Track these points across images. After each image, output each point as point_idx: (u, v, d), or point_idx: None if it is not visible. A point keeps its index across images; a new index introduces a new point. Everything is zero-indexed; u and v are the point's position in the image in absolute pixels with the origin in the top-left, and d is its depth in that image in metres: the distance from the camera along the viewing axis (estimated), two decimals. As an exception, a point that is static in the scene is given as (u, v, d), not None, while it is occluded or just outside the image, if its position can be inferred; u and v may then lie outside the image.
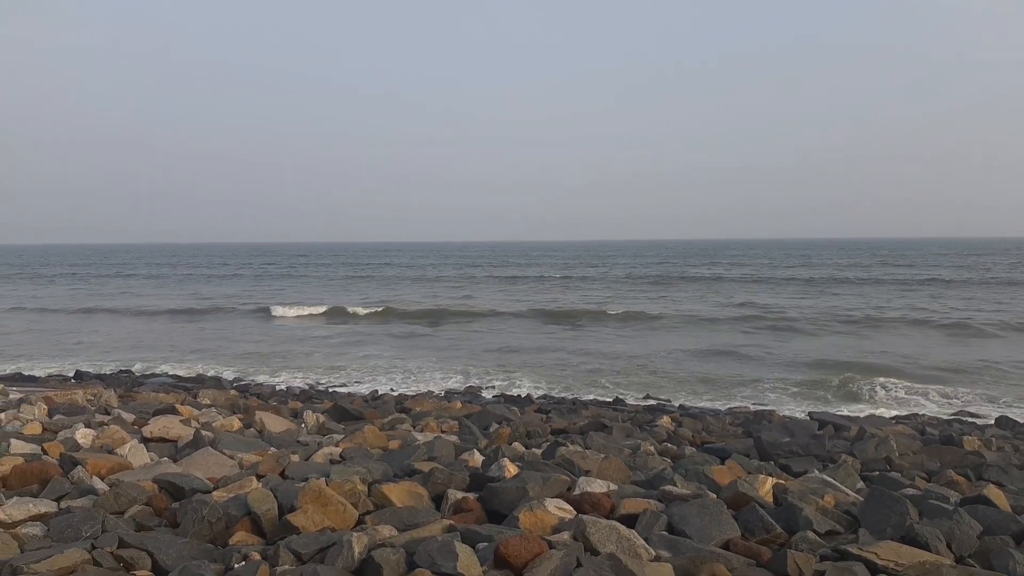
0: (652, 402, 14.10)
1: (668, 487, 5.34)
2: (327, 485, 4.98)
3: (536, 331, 26.77)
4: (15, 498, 5.26)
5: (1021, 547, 4.24)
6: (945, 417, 13.37)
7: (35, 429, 7.70)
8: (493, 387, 16.58)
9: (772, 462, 7.65)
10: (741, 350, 21.62)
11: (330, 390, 15.91)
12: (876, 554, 4.01)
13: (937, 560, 3.97)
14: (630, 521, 4.70)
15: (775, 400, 15.22)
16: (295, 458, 6.80)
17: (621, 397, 14.99)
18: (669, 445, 8.58)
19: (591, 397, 15.29)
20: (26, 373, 17.95)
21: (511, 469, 5.79)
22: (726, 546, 4.40)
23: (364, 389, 16.22)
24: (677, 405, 13.91)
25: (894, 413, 13.69)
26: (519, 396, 15.00)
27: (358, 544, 4.10)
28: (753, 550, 4.32)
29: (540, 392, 16.00)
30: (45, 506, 5.14)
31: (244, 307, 35.91)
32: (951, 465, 7.68)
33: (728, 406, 14.43)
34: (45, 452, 6.64)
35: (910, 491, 5.61)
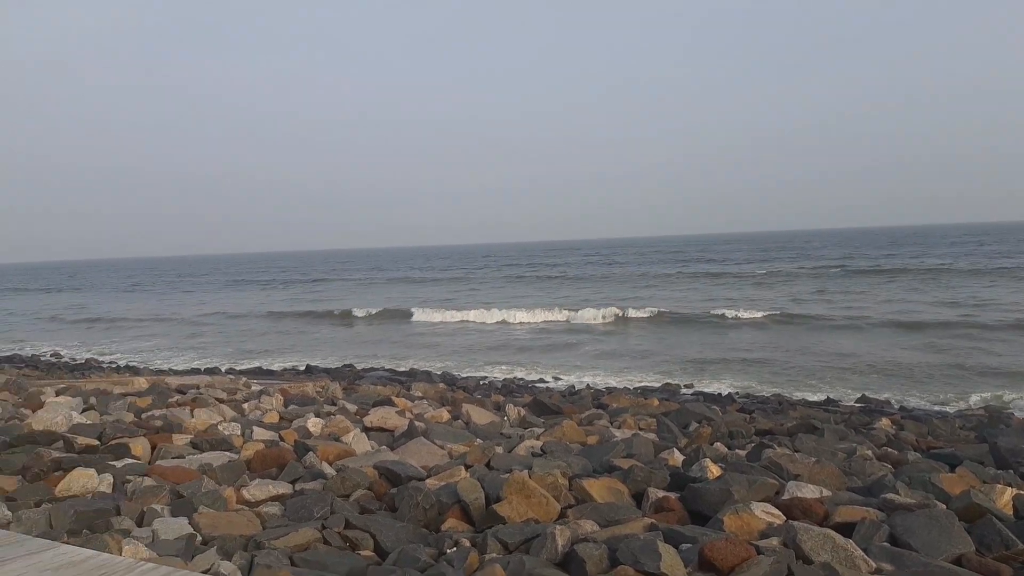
0: (868, 403, 13.11)
1: (890, 495, 4.96)
2: (530, 477, 5.14)
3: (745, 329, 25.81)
4: (257, 480, 5.92)
5: None
6: None
7: (273, 418, 8.60)
8: (691, 384, 16.21)
9: (1011, 471, 6.86)
10: (968, 346, 19.52)
11: (529, 385, 16.33)
12: None
13: None
14: (846, 530, 4.42)
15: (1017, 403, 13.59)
16: (499, 450, 7.07)
17: (833, 397, 14.08)
18: (889, 450, 7.94)
19: (799, 397, 14.50)
20: (264, 368, 20.09)
21: (713, 470, 5.65)
22: (957, 561, 4.02)
23: (560, 385, 16.48)
24: (897, 406, 12.83)
25: None
26: (719, 394, 14.55)
27: (561, 537, 4.20)
28: (990, 567, 3.91)
29: (741, 391, 15.41)
30: (282, 488, 5.74)
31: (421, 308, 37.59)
32: None
33: (957, 408, 13.09)
34: (282, 439, 7.41)
35: None
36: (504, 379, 17.34)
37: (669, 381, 16.60)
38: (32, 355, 24.84)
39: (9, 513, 4.77)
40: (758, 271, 52.38)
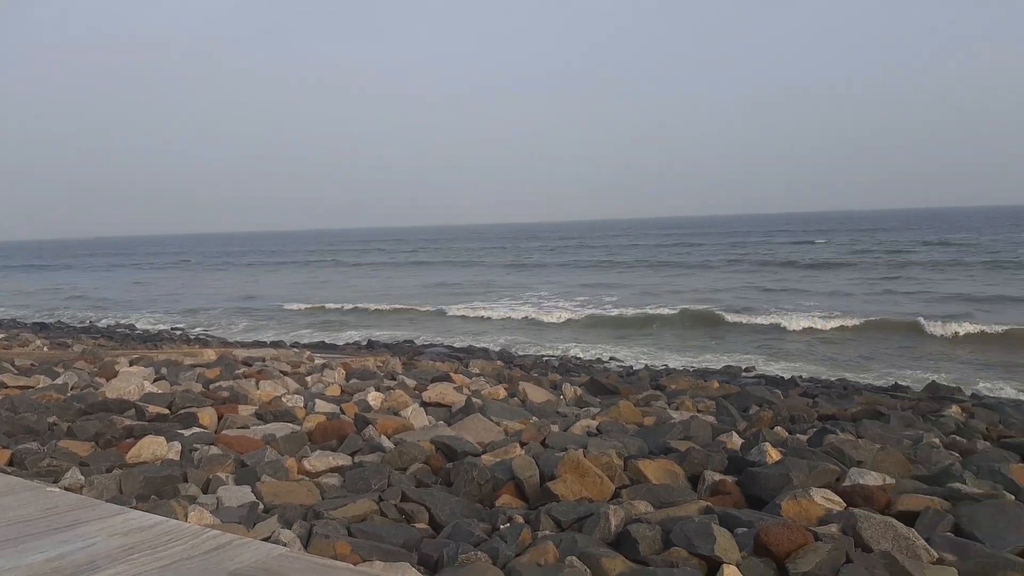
0: (937, 390, 12.67)
1: (956, 484, 4.81)
2: (585, 456, 5.15)
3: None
4: (318, 451, 6.07)
5: None
6: None
7: (335, 391, 8.80)
8: (752, 368, 15.95)
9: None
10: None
11: (586, 364, 16.30)
12: None
13: None
14: (909, 519, 4.30)
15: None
16: (555, 428, 7.10)
17: (901, 383, 13.68)
18: (958, 438, 7.67)
19: (865, 382, 14.13)
20: (328, 342, 20.54)
21: (773, 454, 5.56)
22: (1022, 553, 3.88)
23: (617, 366, 16.41)
24: (969, 394, 12.37)
25: None
26: (781, 378, 14.27)
27: (615, 517, 4.20)
28: (1060, 563, 3.76)
29: (805, 374, 15.09)
30: (342, 459, 5.88)
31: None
32: None
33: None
34: (342, 412, 7.58)
35: None
36: (561, 358, 17.35)
37: (730, 364, 16.37)
38: (108, 326, 25.94)
39: (82, 478, 5.01)
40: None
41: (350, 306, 29.28)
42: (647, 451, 6.14)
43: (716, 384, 11.79)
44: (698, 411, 8.98)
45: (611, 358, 17.69)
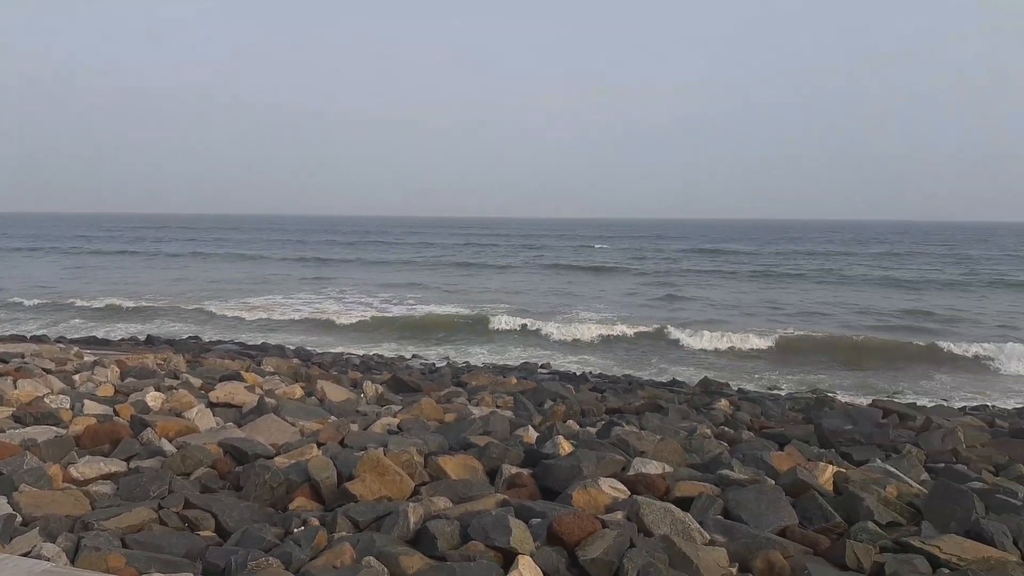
0: (709, 385, 13.90)
1: (725, 471, 5.28)
2: (385, 455, 5.08)
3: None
4: (87, 457, 5.51)
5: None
6: (1016, 408, 12.86)
7: (107, 391, 8.03)
8: (548, 364, 16.61)
9: (833, 450, 7.48)
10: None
11: (389, 362, 16.16)
12: (939, 547, 3.91)
13: (1003, 556, 3.84)
14: (685, 504, 4.66)
15: (839, 384, 14.88)
16: (354, 427, 6.95)
17: (678, 379, 14.85)
18: (726, 429, 8.46)
19: (647, 377, 15.19)
20: (100, 337, 18.74)
21: (565, 447, 5.80)
22: (783, 533, 4.34)
23: (418, 363, 16.42)
24: (736, 389, 13.69)
25: (962, 404, 13.23)
26: (574, 374, 14.98)
27: (414, 514, 4.17)
28: (811, 539, 4.25)
29: (595, 370, 15.96)
30: (115, 465, 5.38)
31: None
32: (1021, 459, 7.39)
33: (788, 392, 14.15)
34: (117, 413, 6.93)
35: (977, 485, 5.43)
36: (363, 356, 17.06)
37: (527, 361, 16.93)
38: None
39: None
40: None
41: (101, 304, 25.19)
42: (448, 447, 6.18)
43: (514, 380, 12.15)
44: (497, 407, 9.20)
45: (414, 356, 17.67)
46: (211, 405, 7.59)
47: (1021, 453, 7.72)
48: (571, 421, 8.05)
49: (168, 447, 5.85)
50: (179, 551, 3.93)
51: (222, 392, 7.92)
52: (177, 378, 9.17)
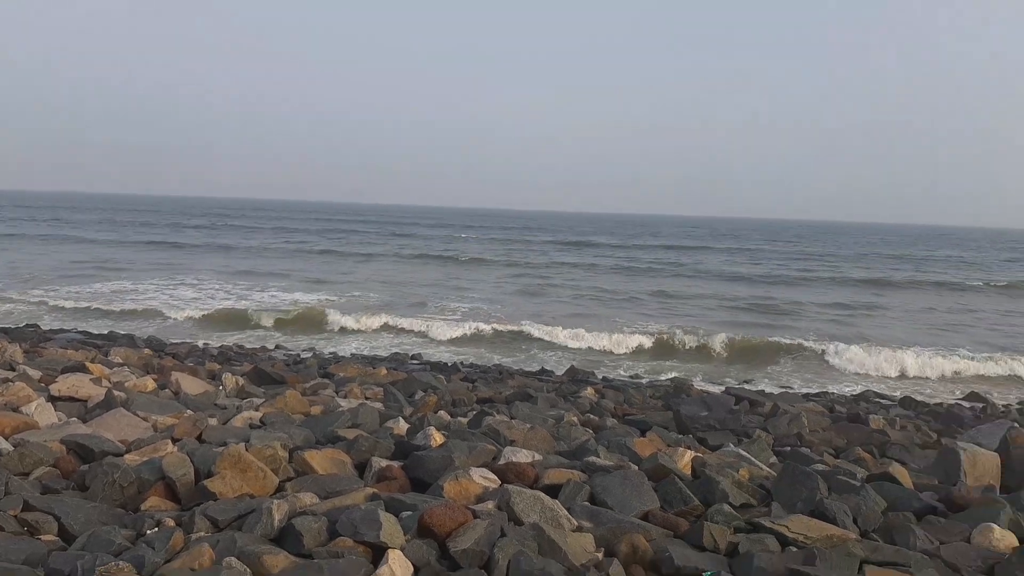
0: (576, 374, 14.27)
1: (592, 458, 5.42)
2: (247, 450, 4.87)
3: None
4: (-93, 458, 4.96)
5: (922, 523, 4.48)
6: (852, 394, 13.99)
7: (-70, 385, 7.25)
8: (419, 355, 16.51)
9: (691, 435, 7.87)
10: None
11: (250, 353, 15.52)
12: (787, 527, 4.16)
13: (844, 534, 4.15)
14: (554, 491, 4.75)
15: (695, 372, 15.66)
16: (213, 422, 6.61)
17: (547, 368, 15.15)
18: (592, 416, 8.71)
19: (517, 367, 15.40)
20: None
21: (437, 438, 5.78)
22: (645, 517, 4.50)
23: (281, 354, 15.89)
24: (600, 377, 14.12)
25: (806, 391, 14.25)
26: (445, 364, 14.97)
27: (278, 511, 4.02)
28: (671, 521, 4.43)
29: (467, 360, 16.01)
30: (-60, 467, 4.86)
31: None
32: (858, 442, 8.04)
33: (649, 379, 14.75)
34: (-59, 409, 6.27)
35: (820, 467, 5.85)
36: (221, 346, 16.29)
37: (398, 351, 16.75)
38: None
39: None
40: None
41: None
42: (314, 441, 6.00)
43: (384, 371, 11.98)
44: (366, 398, 9.04)
45: (277, 346, 17.07)
46: (52, 399, 7.01)
47: (858, 437, 8.40)
48: (442, 412, 8.03)
49: (4, 445, 5.35)
50: (18, 558, 3.60)
51: (65, 385, 7.33)
52: (13, 370, 8.42)
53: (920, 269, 48.96)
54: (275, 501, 4.12)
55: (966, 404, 13.43)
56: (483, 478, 4.84)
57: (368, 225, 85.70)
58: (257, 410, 7.31)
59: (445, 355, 16.71)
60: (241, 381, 9.23)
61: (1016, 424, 9.01)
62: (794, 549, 4.01)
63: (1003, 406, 13.51)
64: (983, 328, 24.26)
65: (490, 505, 4.34)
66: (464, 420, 7.33)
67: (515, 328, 19.39)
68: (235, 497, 4.43)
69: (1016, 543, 4.15)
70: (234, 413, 7.16)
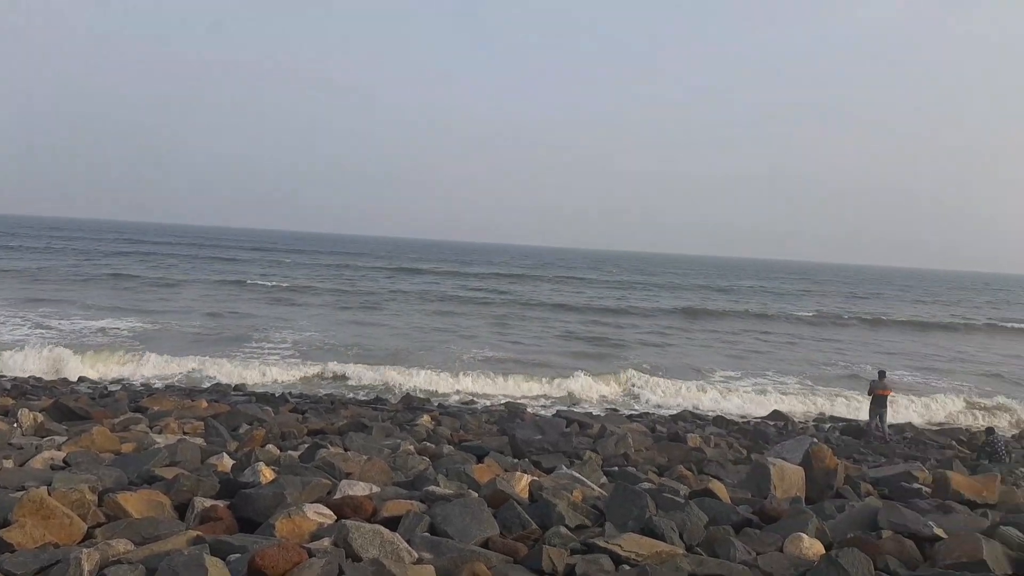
0: (411, 401, 14.14)
1: (431, 487, 5.37)
2: (50, 495, 4.40)
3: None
4: None
5: (740, 535, 4.79)
6: (671, 415, 14.84)
7: None
8: (243, 385, 15.68)
9: (526, 459, 8.00)
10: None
11: (49, 386, 14.06)
12: (620, 546, 4.32)
13: (672, 550, 4.36)
14: (393, 523, 4.65)
15: (528, 394, 15.98)
16: (8, 464, 5.93)
17: (381, 396, 14.88)
18: (429, 444, 8.65)
19: (351, 396, 15.01)
20: None
21: (266, 474, 5.50)
22: (486, 544, 4.50)
23: (85, 387, 14.56)
24: (436, 404, 14.07)
25: (629, 412, 14.94)
26: (273, 395, 14.31)
27: (88, 561, 3.65)
28: (510, 547, 4.46)
29: (296, 390, 15.40)
30: None
31: None
32: (678, 460, 8.54)
33: (485, 404, 14.87)
34: None
35: (646, 485, 6.14)
36: (15, 379, 14.62)
37: (220, 382, 15.82)
38: None
39: None
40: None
41: None
42: (127, 482, 5.52)
43: (205, 403, 11.28)
44: (185, 433, 8.46)
45: (80, 378, 15.59)
46: None
47: (678, 455, 8.92)
48: (271, 445, 7.67)
49: None
50: None
51: None
52: None
53: (734, 299, 53.19)
54: (84, 550, 3.73)
55: (771, 422, 14.65)
56: (318, 514, 4.66)
57: (176, 247, 79.85)
58: (60, 449, 6.65)
59: (272, 385, 15.99)
60: (40, 417, 8.36)
61: (815, 439, 9.94)
62: (627, 567, 4.16)
63: (802, 423, 14.87)
64: (785, 352, 26.70)
65: (326, 542, 4.17)
66: (295, 454, 7.04)
67: (340, 366, 18.44)
68: (36, 548, 3.97)
69: (823, 550, 4.55)
70: (33, 453, 6.45)
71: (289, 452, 7.12)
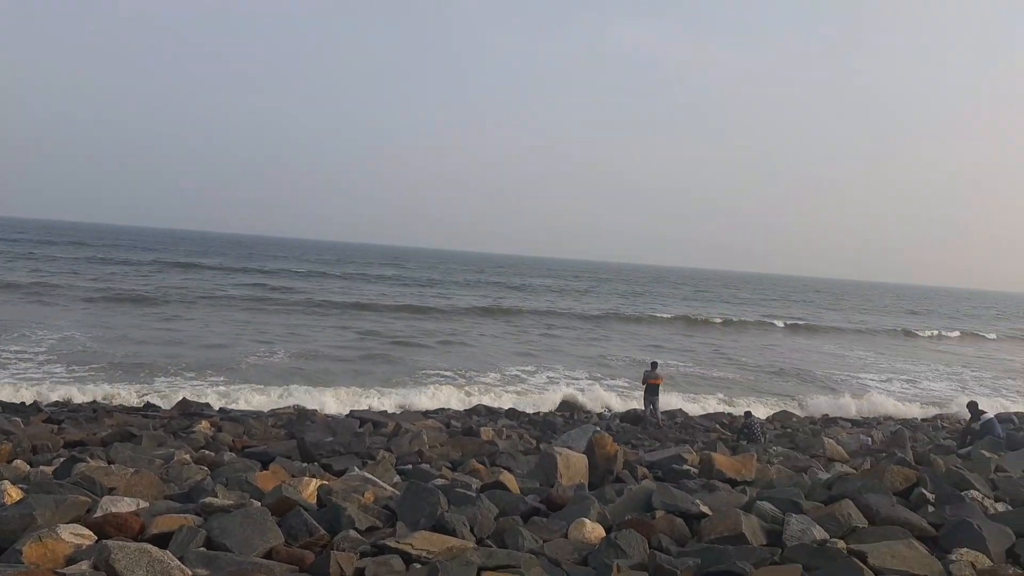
0: (189, 407, 13.12)
1: (208, 499, 5.00)
2: None
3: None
4: None
5: (528, 524, 4.93)
6: (466, 409, 15.01)
7: None
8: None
9: (316, 462, 7.74)
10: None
11: None
12: (411, 545, 4.28)
13: (463, 545, 4.39)
14: (164, 540, 4.27)
15: (320, 396, 15.44)
16: None
17: (152, 402, 13.68)
18: (207, 452, 8.09)
19: (117, 403, 13.66)
20: None
21: (13, 494, 4.87)
22: (269, 555, 4.27)
23: None
24: (217, 408, 13.20)
25: (426, 407, 14.92)
26: (22, 404, 12.63)
27: None
28: (296, 555, 4.26)
29: (53, 397, 13.75)
30: None
31: None
32: (472, 454, 8.65)
33: (272, 408, 14.16)
34: None
35: (440, 481, 6.15)
36: None
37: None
38: None
39: None
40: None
41: None
42: None
43: (-65, 417, 9.77)
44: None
45: None
46: None
47: (472, 448, 9.04)
48: (19, 461, 6.80)
49: None
50: None
51: None
52: None
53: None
54: None
55: (559, 412, 15.30)
56: (75, 535, 4.18)
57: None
58: None
59: (23, 392, 14.15)
60: None
61: (598, 428, 10.50)
62: (418, 565, 4.12)
63: (586, 413, 15.68)
64: (566, 346, 28.09)
65: (84, 566, 3.76)
66: (49, 469, 6.29)
67: (124, 352, 17.16)
68: None
69: (604, 533, 4.79)
70: None
71: (42, 468, 6.34)
